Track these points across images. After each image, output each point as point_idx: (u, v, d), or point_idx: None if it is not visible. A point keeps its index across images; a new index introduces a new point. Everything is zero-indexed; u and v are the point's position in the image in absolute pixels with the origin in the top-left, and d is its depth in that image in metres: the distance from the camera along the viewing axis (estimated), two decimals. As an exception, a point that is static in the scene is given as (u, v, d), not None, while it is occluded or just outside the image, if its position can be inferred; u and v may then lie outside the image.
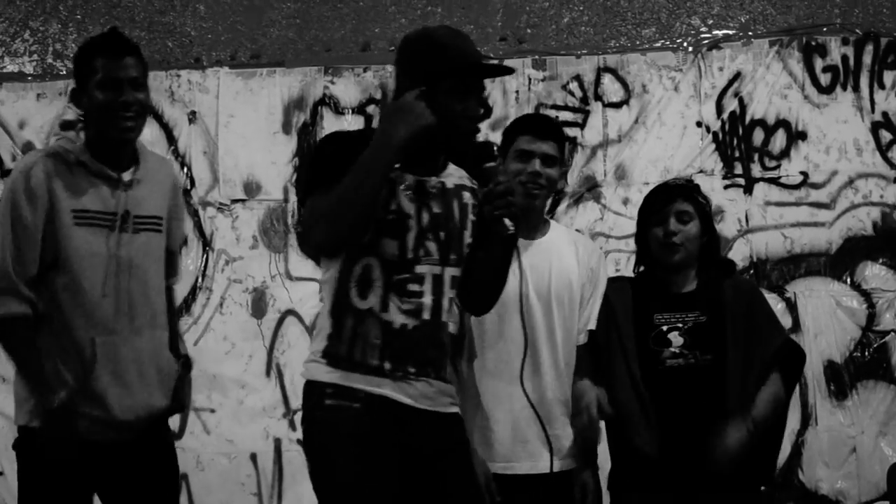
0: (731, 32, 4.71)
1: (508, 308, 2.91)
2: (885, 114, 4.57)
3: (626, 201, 4.59)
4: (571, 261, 3.08)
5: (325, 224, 2.39)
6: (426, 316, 2.48)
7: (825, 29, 4.65)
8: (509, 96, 4.70)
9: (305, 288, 4.74)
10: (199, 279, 4.77)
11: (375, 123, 4.66)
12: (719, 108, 4.65)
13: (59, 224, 2.71)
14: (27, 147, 4.83)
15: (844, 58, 4.61)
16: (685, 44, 4.71)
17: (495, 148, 2.63)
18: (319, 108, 4.82)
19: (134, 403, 2.77)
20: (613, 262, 4.49)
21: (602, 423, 3.01)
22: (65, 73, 4.94)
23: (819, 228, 4.55)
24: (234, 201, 4.82)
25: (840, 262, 4.52)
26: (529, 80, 4.72)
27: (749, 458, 2.96)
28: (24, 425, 2.76)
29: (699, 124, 4.65)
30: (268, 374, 4.73)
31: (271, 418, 4.69)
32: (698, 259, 3.11)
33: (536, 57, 4.75)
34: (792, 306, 4.50)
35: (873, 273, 4.50)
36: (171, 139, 4.81)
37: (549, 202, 4.49)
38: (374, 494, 2.39)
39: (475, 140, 2.56)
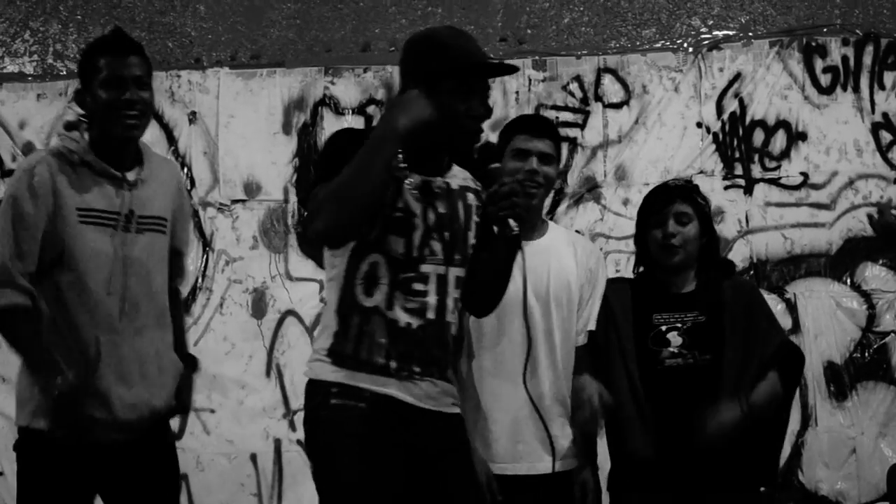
0: (731, 33, 4.71)
1: (508, 308, 2.91)
2: (885, 114, 4.57)
3: (626, 202, 4.59)
4: (570, 262, 3.08)
5: (327, 212, 2.38)
6: (430, 315, 2.49)
7: (825, 30, 4.65)
8: (509, 97, 4.70)
9: (305, 288, 4.74)
10: (200, 279, 4.77)
11: (375, 124, 4.71)
12: (719, 109, 4.65)
13: (63, 222, 2.71)
14: (27, 147, 4.83)
15: (845, 58, 4.61)
16: (685, 44, 4.72)
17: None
18: (320, 108, 4.82)
19: (136, 403, 2.77)
20: (613, 263, 4.49)
21: (602, 423, 3.01)
22: (65, 73, 4.94)
23: (819, 229, 4.55)
24: (235, 202, 4.82)
25: (840, 262, 4.52)
26: (529, 80, 4.73)
27: (748, 458, 2.97)
28: (25, 426, 2.76)
29: (699, 125, 4.65)
30: (268, 374, 4.73)
31: (271, 419, 4.69)
32: (698, 260, 3.11)
33: (536, 57, 4.75)
34: (792, 307, 4.51)
35: (873, 274, 4.50)
36: (172, 139, 4.82)
37: (548, 203, 4.54)
38: (380, 495, 2.39)
39: (479, 140, 2.56)
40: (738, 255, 4.51)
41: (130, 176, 2.82)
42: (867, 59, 4.59)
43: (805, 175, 4.58)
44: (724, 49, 4.68)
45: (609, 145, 4.68)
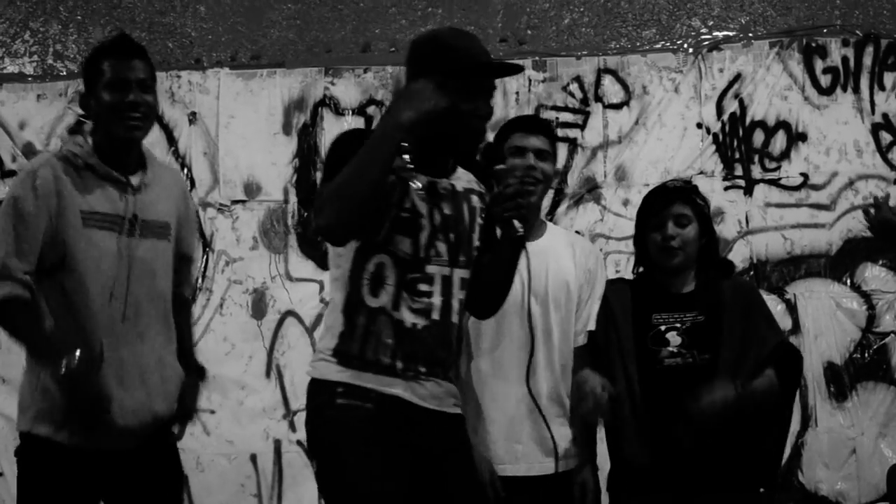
0: (731, 34, 4.71)
1: (508, 309, 2.91)
2: (885, 115, 4.57)
3: (626, 202, 4.59)
4: (568, 263, 3.08)
5: (330, 208, 2.37)
6: (435, 316, 2.49)
7: (825, 30, 4.65)
8: (509, 98, 4.70)
9: (305, 289, 4.74)
10: (200, 280, 4.77)
11: (375, 124, 4.71)
12: (719, 110, 4.65)
13: (66, 224, 2.70)
14: (27, 148, 4.83)
15: (845, 59, 4.61)
16: (685, 45, 4.72)
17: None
18: (320, 109, 4.82)
19: (137, 409, 2.75)
20: (613, 264, 4.49)
21: (605, 413, 3.00)
22: (65, 74, 4.94)
23: (819, 230, 4.55)
24: (235, 202, 4.82)
25: (840, 263, 4.52)
26: (530, 81, 4.72)
27: (747, 459, 2.97)
28: (26, 431, 2.75)
29: (699, 126, 4.65)
30: (268, 375, 4.73)
31: (271, 419, 4.69)
32: (697, 260, 3.11)
33: (537, 58, 4.75)
34: (792, 308, 4.51)
35: (873, 274, 4.50)
36: (172, 140, 4.81)
37: (548, 204, 4.54)
38: (387, 495, 2.39)
39: (484, 140, 2.57)
40: (738, 256, 4.51)
41: (134, 180, 2.81)
42: (867, 60, 4.59)
43: (805, 176, 4.58)
44: (724, 50, 4.68)
45: (609, 146, 4.68)
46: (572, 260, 3.10)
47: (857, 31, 4.62)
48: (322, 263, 4.70)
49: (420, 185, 2.49)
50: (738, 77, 4.65)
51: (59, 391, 2.65)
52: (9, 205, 2.73)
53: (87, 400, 2.65)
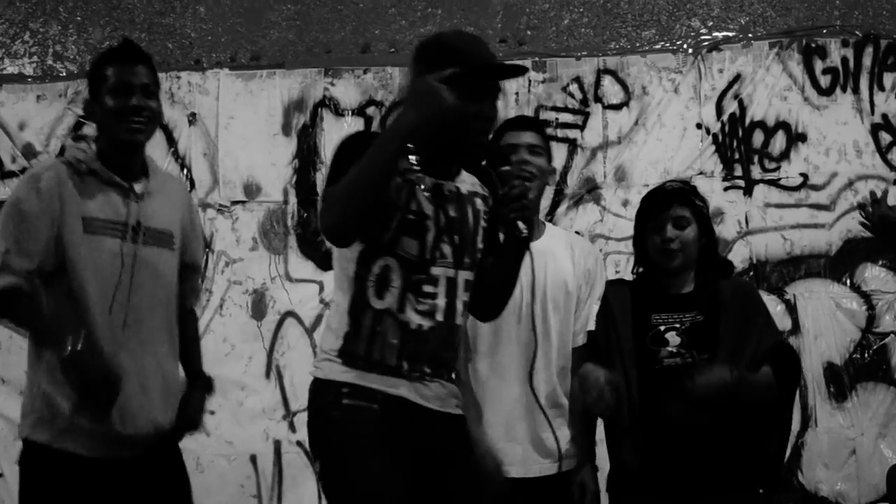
0: (730, 34, 4.71)
1: (508, 309, 2.90)
2: (884, 116, 4.57)
3: (625, 203, 4.59)
4: (566, 263, 3.08)
5: (336, 207, 2.38)
6: (440, 317, 2.50)
7: (825, 31, 4.65)
8: (509, 98, 4.70)
9: (305, 290, 4.74)
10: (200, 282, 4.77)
11: (375, 125, 4.72)
12: (719, 110, 4.65)
13: (68, 230, 2.70)
14: (27, 149, 4.83)
15: (844, 60, 4.61)
16: (685, 46, 4.72)
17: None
18: (319, 109, 4.82)
19: (135, 416, 2.73)
20: (613, 264, 4.49)
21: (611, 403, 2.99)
22: (65, 74, 4.94)
23: (819, 230, 4.55)
24: (234, 203, 4.82)
25: (840, 263, 4.53)
26: (529, 82, 4.73)
27: (746, 460, 2.97)
28: (25, 438, 2.75)
29: (699, 126, 4.65)
30: (267, 375, 4.73)
31: (271, 420, 4.69)
32: (697, 261, 3.11)
33: (536, 59, 4.75)
34: (791, 308, 4.51)
35: (873, 275, 4.50)
36: (171, 141, 4.81)
37: (547, 205, 4.55)
38: (394, 497, 2.39)
39: (489, 142, 2.57)
40: (738, 256, 4.51)
41: (138, 187, 2.81)
42: (867, 61, 4.60)
43: (805, 176, 4.58)
44: (724, 50, 4.68)
45: (609, 146, 4.68)
46: (571, 260, 3.10)
47: (857, 32, 4.63)
48: (322, 264, 4.70)
49: (426, 186, 2.50)
50: (737, 77, 4.65)
51: (69, 373, 2.60)
52: (12, 206, 2.73)
53: (97, 377, 2.61)
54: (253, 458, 4.68)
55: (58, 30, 5.01)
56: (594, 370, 2.91)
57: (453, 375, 2.61)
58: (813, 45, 4.63)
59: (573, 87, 4.72)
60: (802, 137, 4.59)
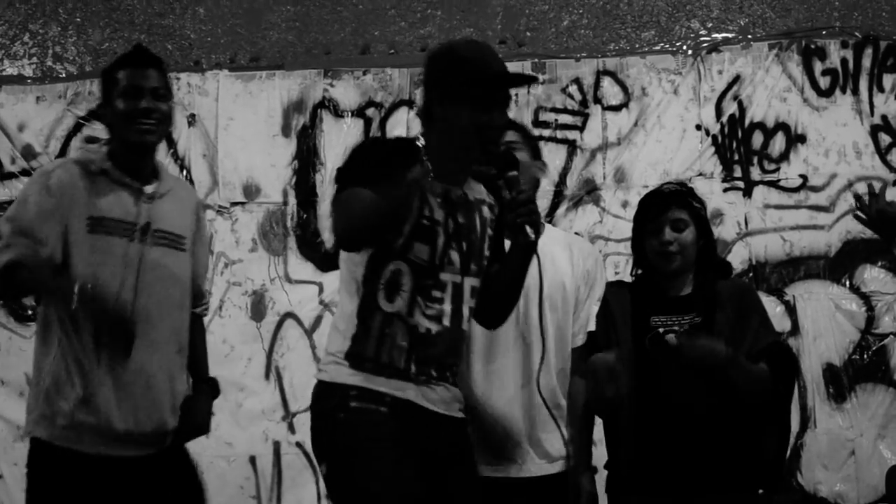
0: (730, 35, 4.71)
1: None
2: (884, 117, 4.57)
3: (625, 204, 4.59)
4: (564, 264, 3.08)
5: (347, 221, 2.43)
6: (446, 322, 2.52)
7: (824, 32, 4.65)
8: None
9: (305, 291, 4.74)
10: (199, 282, 4.77)
11: (374, 126, 4.73)
12: (718, 111, 4.65)
13: (72, 228, 2.73)
14: (26, 150, 4.84)
15: (844, 61, 4.61)
16: (684, 47, 4.72)
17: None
18: (319, 110, 4.82)
19: (137, 414, 2.76)
20: (612, 265, 4.49)
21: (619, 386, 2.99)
22: (64, 76, 4.95)
23: (818, 231, 4.55)
24: (234, 204, 4.82)
25: (839, 264, 4.53)
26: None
27: (746, 460, 2.97)
28: (28, 434, 2.78)
29: (698, 127, 4.66)
30: (267, 376, 4.73)
31: (270, 421, 4.69)
32: (695, 262, 3.11)
33: (536, 60, 4.75)
34: (791, 309, 4.51)
35: (872, 276, 4.50)
36: (171, 142, 4.81)
37: (546, 206, 4.54)
38: (403, 498, 2.41)
39: (499, 150, 2.59)
40: (737, 258, 4.51)
41: (148, 189, 2.85)
42: (866, 62, 4.60)
43: (804, 177, 4.58)
44: (724, 51, 4.68)
45: (608, 147, 4.68)
46: (569, 261, 3.10)
47: (856, 33, 4.63)
48: (321, 265, 4.70)
49: (437, 192, 2.53)
50: (737, 79, 4.65)
51: (85, 312, 2.65)
52: (21, 199, 2.79)
53: (111, 312, 2.67)
54: (252, 460, 4.68)
55: (57, 31, 5.01)
56: (603, 355, 2.92)
57: (456, 379, 2.63)
58: (812, 46, 4.63)
59: (572, 89, 4.72)
60: (802, 139, 4.59)
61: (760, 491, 3.08)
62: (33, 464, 2.78)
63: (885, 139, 4.57)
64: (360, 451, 2.44)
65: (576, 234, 4.29)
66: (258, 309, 4.76)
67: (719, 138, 4.64)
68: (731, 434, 2.94)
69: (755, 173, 4.61)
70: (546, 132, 4.67)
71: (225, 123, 4.84)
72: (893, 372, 4.46)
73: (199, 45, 4.94)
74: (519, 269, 2.63)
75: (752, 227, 4.58)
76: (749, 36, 4.69)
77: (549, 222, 4.21)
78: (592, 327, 3.10)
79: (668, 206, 3.08)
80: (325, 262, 4.68)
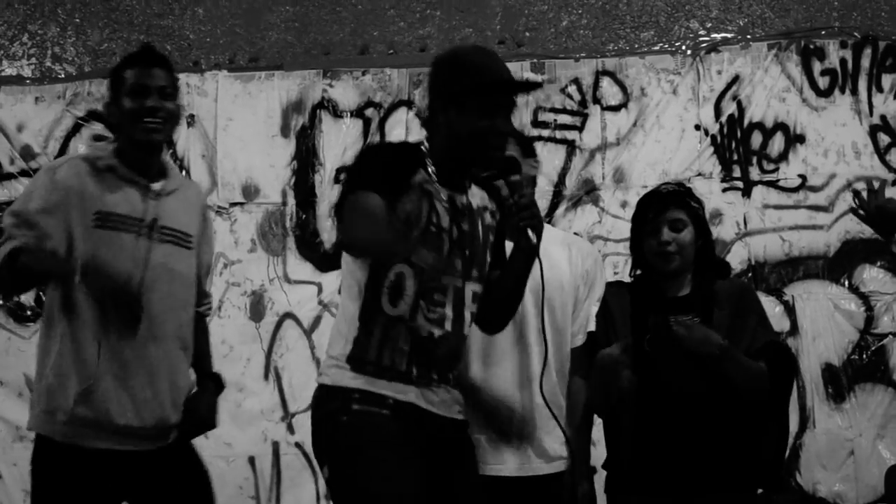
0: (729, 36, 4.71)
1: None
2: (883, 117, 4.58)
3: (624, 204, 4.59)
4: (563, 264, 3.08)
5: (353, 232, 2.43)
6: (448, 326, 2.53)
7: (823, 32, 4.66)
8: (508, 99, 4.70)
9: (304, 291, 4.74)
10: (198, 282, 4.78)
11: (373, 127, 4.73)
12: (718, 112, 4.65)
13: (77, 223, 2.75)
14: (25, 150, 4.84)
15: (843, 61, 4.62)
16: (683, 47, 4.72)
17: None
18: (318, 111, 4.83)
19: (139, 409, 2.77)
20: (612, 265, 4.50)
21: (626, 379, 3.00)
22: (63, 76, 4.95)
23: (817, 231, 4.56)
24: (233, 204, 4.82)
25: (838, 264, 4.53)
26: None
27: (745, 460, 2.97)
28: (31, 429, 2.80)
29: (697, 127, 4.66)
30: (266, 377, 4.73)
31: (269, 421, 4.69)
32: (694, 262, 3.11)
33: (535, 60, 4.75)
34: (790, 309, 4.51)
35: (871, 276, 4.50)
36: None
37: (545, 206, 4.54)
38: (408, 500, 2.41)
39: (503, 156, 2.60)
40: (737, 258, 4.51)
41: (156, 186, 2.87)
42: (865, 62, 4.60)
43: (803, 177, 4.58)
44: (723, 52, 4.68)
45: (607, 148, 4.68)
46: (568, 261, 3.09)
47: (856, 33, 4.63)
48: (320, 266, 4.70)
49: (444, 198, 2.54)
50: (736, 79, 4.65)
51: (91, 285, 2.68)
52: (27, 193, 2.82)
53: (115, 283, 2.70)
54: (251, 460, 4.68)
55: (56, 32, 5.01)
56: (609, 350, 2.93)
57: (456, 381, 2.64)
58: (811, 46, 4.64)
59: (572, 89, 4.72)
60: (801, 139, 4.60)
61: (759, 491, 3.09)
62: (36, 460, 2.80)
63: (884, 139, 4.57)
64: (362, 453, 2.44)
65: (575, 234, 4.29)
66: (257, 309, 4.76)
67: (718, 138, 4.64)
68: (731, 434, 2.94)
69: (754, 173, 4.61)
70: (545, 132, 4.67)
71: (224, 124, 4.84)
72: (892, 372, 4.46)
73: (198, 46, 4.94)
74: (520, 274, 2.64)
75: (751, 227, 4.58)
76: (748, 36, 4.69)
77: (549, 222, 4.21)
78: (592, 327, 3.10)
79: (666, 206, 3.08)
80: (324, 262, 4.68)
